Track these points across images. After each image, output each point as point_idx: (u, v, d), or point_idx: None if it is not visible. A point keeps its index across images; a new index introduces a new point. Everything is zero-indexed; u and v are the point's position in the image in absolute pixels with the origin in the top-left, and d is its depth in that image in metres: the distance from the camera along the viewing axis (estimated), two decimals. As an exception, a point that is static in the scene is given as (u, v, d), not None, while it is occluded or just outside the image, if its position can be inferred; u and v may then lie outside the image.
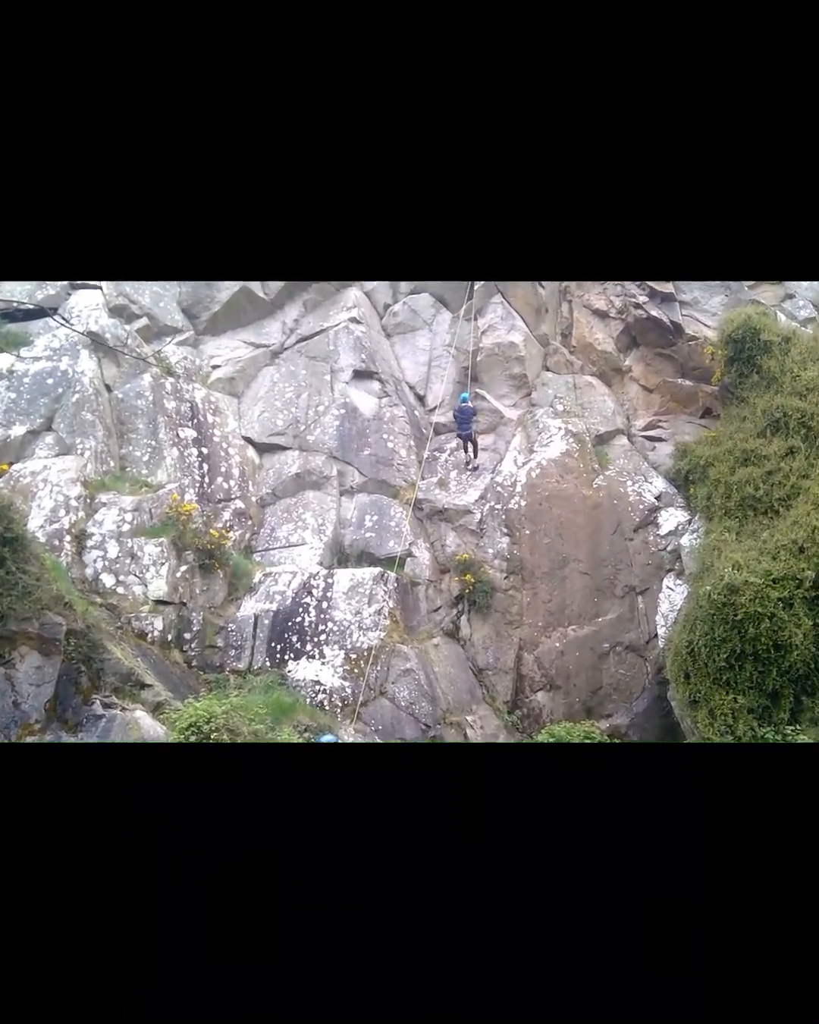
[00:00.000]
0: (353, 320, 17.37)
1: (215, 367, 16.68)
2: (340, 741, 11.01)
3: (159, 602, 12.31)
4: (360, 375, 17.01)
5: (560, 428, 15.88)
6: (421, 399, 17.81)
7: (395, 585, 13.96)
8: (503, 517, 14.92)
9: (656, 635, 13.64)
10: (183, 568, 12.93)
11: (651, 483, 15.22)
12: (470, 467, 15.65)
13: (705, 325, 16.41)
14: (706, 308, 16.64)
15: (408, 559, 14.88)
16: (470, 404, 15.52)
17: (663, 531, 14.48)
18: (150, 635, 11.94)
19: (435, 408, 17.04)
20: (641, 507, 14.71)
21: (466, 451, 15.69)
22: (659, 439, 16.09)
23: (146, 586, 12.32)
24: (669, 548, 14.30)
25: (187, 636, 12.60)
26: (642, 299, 16.43)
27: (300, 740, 10.21)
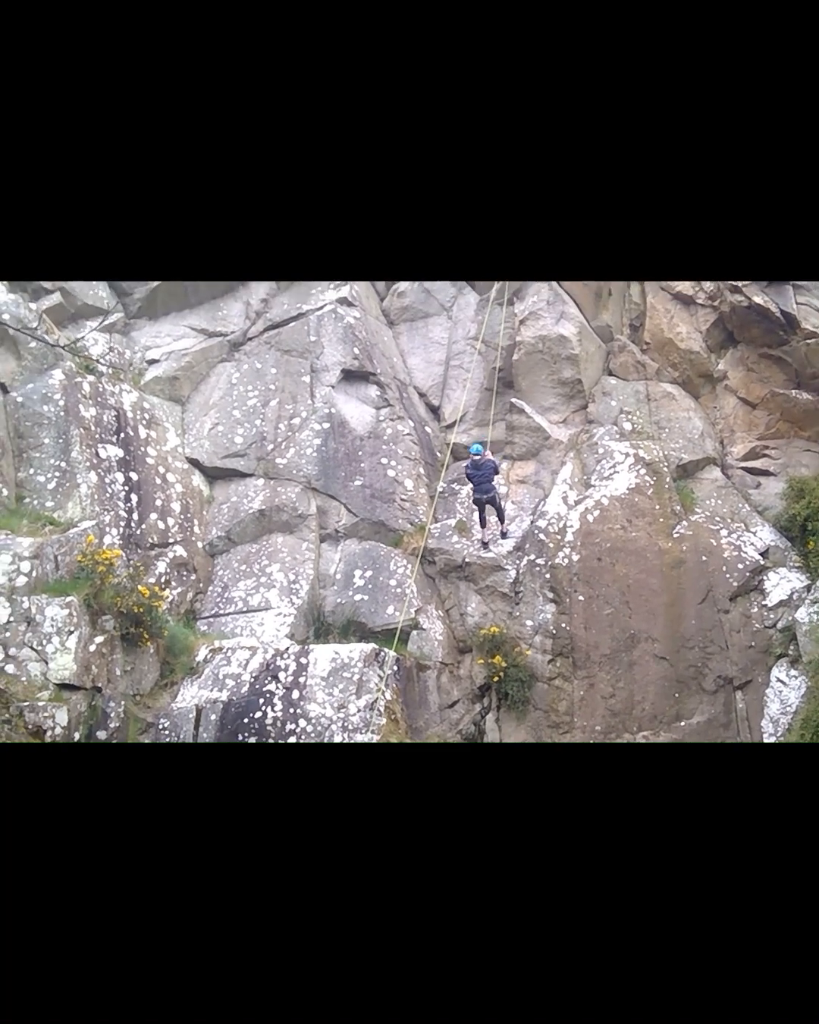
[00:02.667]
0: (343, 302, 17.78)
1: (152, 362, 17.02)
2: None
3: (64, 686, 12.30)
4: (351, 376, 17.32)
5: (628, 454, 16.12)
6: (435, 411, 18.13)
7: (395, 669, 13.95)
8: (548, 577, 15.02)
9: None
10: (99, 639, 12.95)
11: (754, 533, 15.36)
12: (490, 540, 15.45)
13: (828, 318, 16.75)
14: (830, 294, 17.02)
15: (414, 633, 14.88)
16: (489, 455, 15.17)
17: (771, 601, 14.56)
18: (50, 733, 11.90)
19: (454, 424, 17.33)
20: (740, 567, 14.82)
21: (483, 522, 15.42)
22: (766, 472, 16.27)
23: (46, 664, 12.32)
24: (780, 625, 14.34)
25: (102, 735, 12.55)
26: (742, 282, 16.82)
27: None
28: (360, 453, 16.63)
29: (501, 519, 15.44)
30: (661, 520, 15.43)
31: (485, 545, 15.44)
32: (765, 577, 14.81)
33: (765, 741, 13.50)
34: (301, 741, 12.91)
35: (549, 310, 17.34)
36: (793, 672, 13.90)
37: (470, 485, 15.43)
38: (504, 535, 15.51)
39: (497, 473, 15.20)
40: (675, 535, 15.27)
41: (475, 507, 15.52)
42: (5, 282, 15.69)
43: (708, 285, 17.44)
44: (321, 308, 17.75)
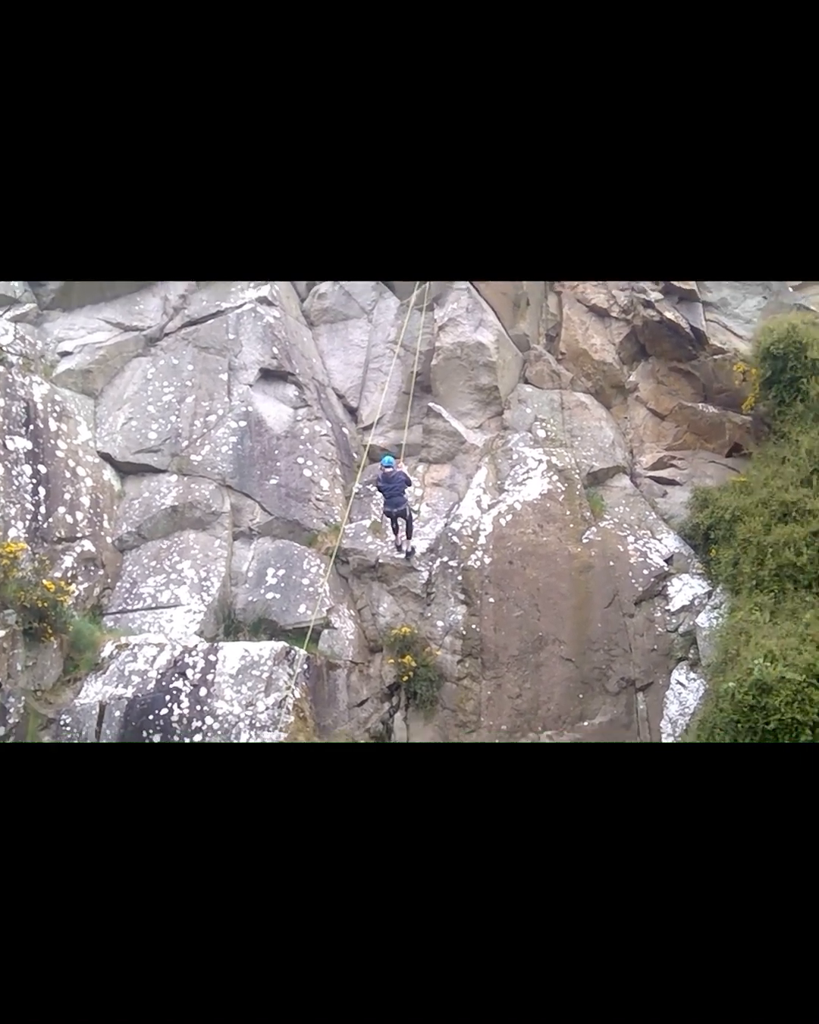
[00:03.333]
0: (263, 301, 17.74)
1: (64, 355, 16.73)
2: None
3: (-38, 680, 12.03)
4: (269, 376, 17.28)
5: (541, 460, 16.40)
6: (352, 412, 18.19)
7: (305, 667, 13.93)
8: (459, 579, 15.17)
9: (662, 748, 13.92)
10: (0, 633, 12.65)
11: (660, 540, 15.76)
12: (402, 553, 15.39)
13: (735, 334, 17.33)
14: (737, 312, 17.60)
15: (325, 631, 14.88)
16: (399, 468, 14.99)
17: (674, 606, 14.92)
18: (-55, 727, 11.62)
19: (372, 426, 17.42)
20: (645, 572, 15.18)
21: (395, 531, 15.34)
22: (672, 482, 16.74)
23: (-56, 656, 12.03)
24: (681, 629, 14.70)
25: (0, 730, 12.25)
26: (654, 296, 17.30)
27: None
28: (276, 452, 16.58)
29: (409, 534, 15.24)
30: (571, 525, 15.70)
31: (399, 548, 15.46)
32: (669, 583, 15.15)
33: (664, 741, 13.80)
34: (206, 739, 12.79)
35: (468, 317, 17.55)
36: (692, 675, 14.27)
37: (381, 496, 15.23)
38: (410, 553, 15.33)
39: (409, 484, 15.09)
40: (584, 540, 15.56)
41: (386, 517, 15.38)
42: None
43: (622, 298, 17.88)
44: (240, 306, 17.67)
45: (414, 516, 15.45)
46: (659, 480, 16.80)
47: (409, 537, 15.27)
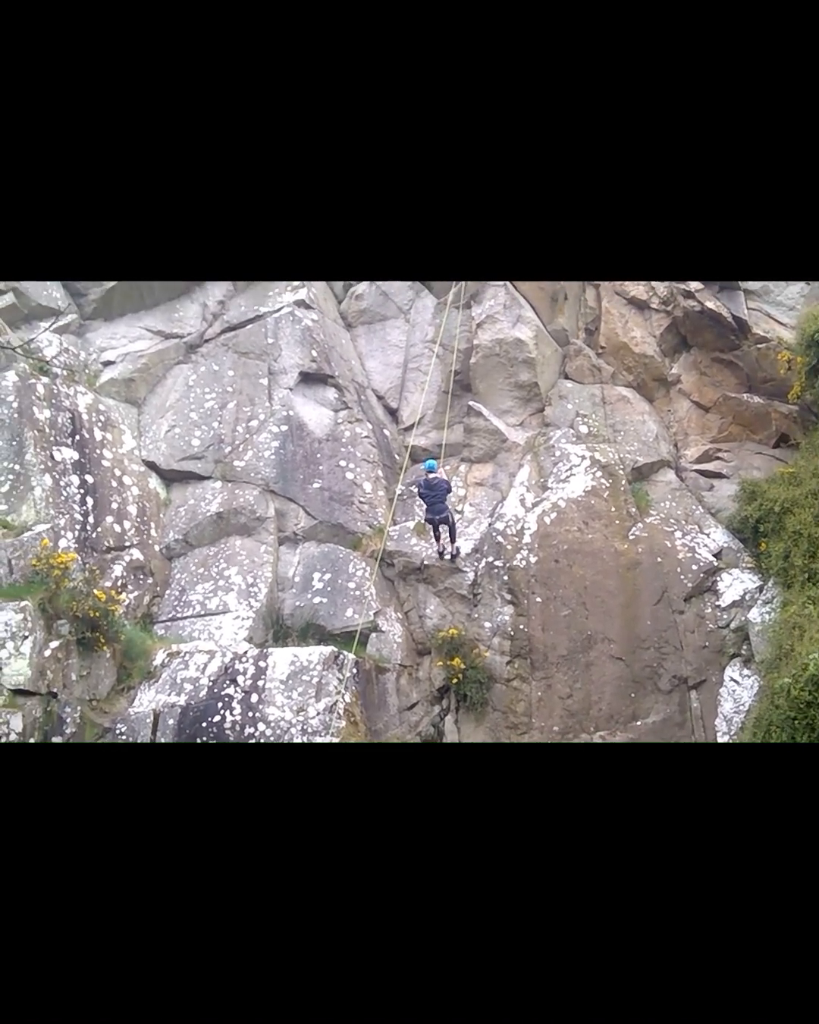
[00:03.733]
0: (301, 304, 17.75)
1: (107, 364, 16.87)
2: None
3: (18, 692, 12.22)
4: (309, 379, 17.30)
5: (584, 457, 16.27)
6: (393, 413, 18.16)
7: (354, 671, 13.96)
8: (505, 578, 15.10)
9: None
10: (54, 644, 12.85)
11: (708, 535, 15.58)
12: (446, 557, 15.23)
13: (779, 322, 17.04)
14: (780, 300, 17.30)
15: (373, 635, 14.90)
16: (441, 474, 14.87)
17: (725, 601, 14.75)
18: (5, 739, 11.80)
19: (413, 426, 17.38)
20: (694, 568, 15.02)
21: (438, 538, 15.12)
22: (718, 475, 16.52)
23: (0, 670, 12.18)
24: (733, 625, 14.53)
25: (57, 740, 12.42)
26: (695, 286, 17.06)
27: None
28: (318, 456, 16.61)
29: (452, 539, 15.10)
30: (617, 522, 15.57)
31: (441, 555, 15.30)
32: (718, 578, 14.99)
33: (719, 739, 13.67)
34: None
35: (506, 314, 17.44)
36: (746, 671, 14.11)
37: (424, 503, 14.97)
38: (454, 556, 15.20)
39: (450, 492, 14.91)
40: (631, 537, 15.42)
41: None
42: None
43: (662, 289, 17.66)
44: (278, 310, 17.71)
45: (457, 521, 15.30)
46: (705, 473, 16.60)
47: (453, 541, 15.16)
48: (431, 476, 14.69)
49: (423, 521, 15.36)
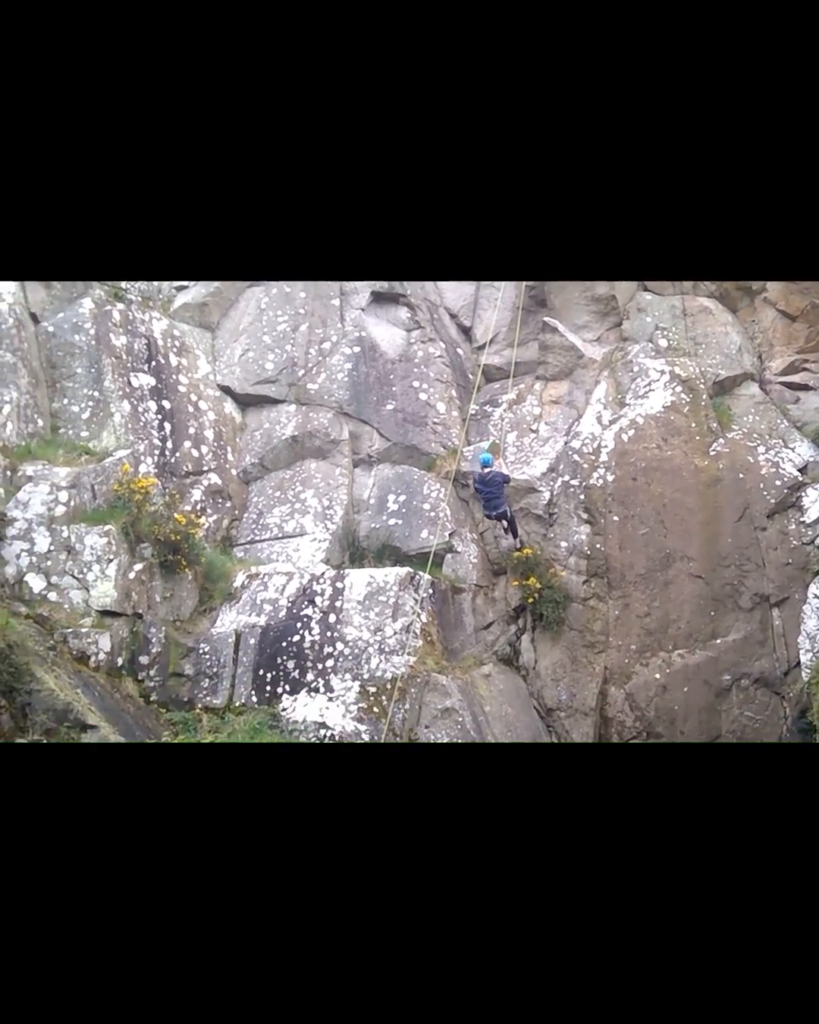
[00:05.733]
0: (371, 222, 17.36)
1: (180, 289, 16.83)
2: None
3: (106, 613, 12.50)
4: (381, 299, 17.04)
5: (663, 371, 15.77)
6: (467, 332, 17.83)
7: (430, 592, 14.00)
8: (582, 498, 14.89)
9: (798, 664, 13.56)
10: (138, 567, 13.10)
11: (793, 449, 15.07)
12: (513, 540, 14.78)
13: (873, 224, 16.13)
14: (874, 200, 16.34)
15: (448, 556, 14.88)
16: (497, 467, 14.19)
17: (809, 517, 14.32)
18: (94, 658, 12.14)
19: (486, 345, 17.04)
20: (778, 483, 14.58)
21: (507, 533, 14.64)
22: (805, 387, 15.84)
23: (88, 592, 12.51)
24: (818, 541, 14.14)
25: (144, 660, 12.79)
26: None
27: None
28: (391, 377, 16.44)
29: (513, 534, 14.61)
30: (697, 438, 15.16)
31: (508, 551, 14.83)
32: (803, 493, 14.56)
33: (802, 657, 13.45)
34: (338, 665, 13.08)
35: (582, 224, 16.80)
36: (830, 589, 13.79)
37: (479, 494, 14.28)
38: (518, 549, 14.73)
39: (507, 483, 14.14)
40: (711, 453, 15.02)
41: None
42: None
43: (747, 193, 16.81)
44: (349, 229, 17.38)
45: (515, 518, 14.70)
46: (791, 386, 15.96)
47: (514, 536, 14.64)
48: (486, 471, 13.98)
49: (482, 516, 14.80)
